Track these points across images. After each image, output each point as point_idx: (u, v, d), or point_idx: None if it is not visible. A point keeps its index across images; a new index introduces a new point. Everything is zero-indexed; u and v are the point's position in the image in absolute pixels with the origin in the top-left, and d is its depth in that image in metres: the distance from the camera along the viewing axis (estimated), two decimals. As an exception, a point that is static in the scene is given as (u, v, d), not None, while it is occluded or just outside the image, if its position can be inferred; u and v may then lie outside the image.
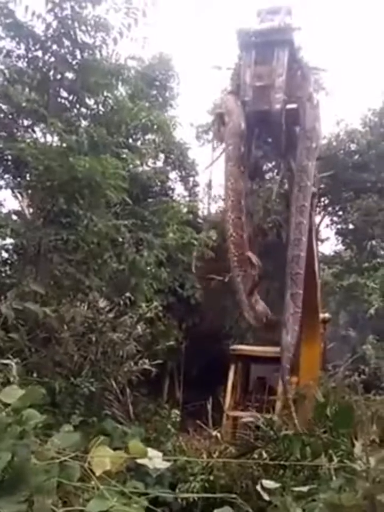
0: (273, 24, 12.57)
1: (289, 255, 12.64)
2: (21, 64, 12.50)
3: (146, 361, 13.17)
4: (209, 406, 12.80)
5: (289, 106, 12.43)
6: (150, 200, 17.57)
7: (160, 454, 2.20)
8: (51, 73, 12.42)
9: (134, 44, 12.09)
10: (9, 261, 12.90)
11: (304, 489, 2.79)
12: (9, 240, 12.00)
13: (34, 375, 10.02)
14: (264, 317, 11.82)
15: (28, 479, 1.94)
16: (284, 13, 12.88)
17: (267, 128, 12.98)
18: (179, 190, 21.50)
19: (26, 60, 12.44)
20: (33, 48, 12.41)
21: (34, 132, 12.13)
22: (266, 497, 2.58)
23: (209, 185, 19.67)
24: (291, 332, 12.20)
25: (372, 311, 20.12)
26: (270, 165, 16.87)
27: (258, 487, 2.57)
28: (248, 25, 12.75)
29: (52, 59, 12.43)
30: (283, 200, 14.75)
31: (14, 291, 8.79)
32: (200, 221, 18.09)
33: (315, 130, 12.39)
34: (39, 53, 12.39)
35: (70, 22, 11.65)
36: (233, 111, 12.33)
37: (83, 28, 11.92)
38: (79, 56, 12.39)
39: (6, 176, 11.26)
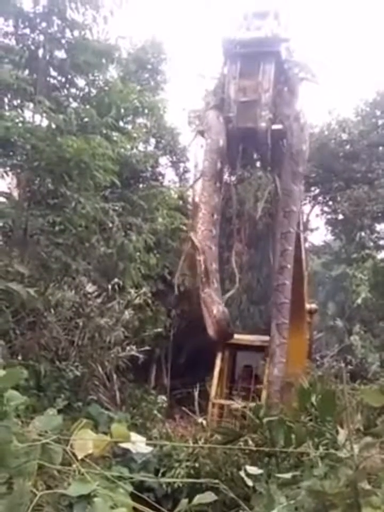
0: (259, 34, 11.98)
1: (274, 283, 12.35)
2: (9, 41, 12.19)
3: (134, 347, 13.10)
4: (196, 394, 12.77)
5: (275, 126, 11.92)
6: (139, 185, 17.41)
7: (144, 439, 2.16)
8: (40, 51, 12.15)
9: (126, 24, 11.83)
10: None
11: (288, 476, 2.77)
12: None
13: (19, 357, 9.89)
14: (225, 323, 11.57)
15: (7, 460, 1.90)
16: (272, 17, 12.28)
17: (252, 144, 12.53)
18: (170, 175, 21.31)
19: (14, 37, 12.14)
20: (21, 26, 12.12)
21: (22, 111, 11.85)
22: (249, 482, 2.57)
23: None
24: (278, 365, 11.98)
25: (358, 301, 20.23)
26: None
27: (241, 473, 2.56)
28: (233, 32, 12.15)
29: (41, 37, 12.16)
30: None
31: (-5, 270, 8.62)
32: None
33: (302, 153, 11.92)
34: (27, 31, 12.13)
35: (59, -1, 11.37)
36: (213, 128, 11.86)
37: (73, 5, 11.65)
38: (68, 35, 12.15)
39: (-8, 155, 11.04)
